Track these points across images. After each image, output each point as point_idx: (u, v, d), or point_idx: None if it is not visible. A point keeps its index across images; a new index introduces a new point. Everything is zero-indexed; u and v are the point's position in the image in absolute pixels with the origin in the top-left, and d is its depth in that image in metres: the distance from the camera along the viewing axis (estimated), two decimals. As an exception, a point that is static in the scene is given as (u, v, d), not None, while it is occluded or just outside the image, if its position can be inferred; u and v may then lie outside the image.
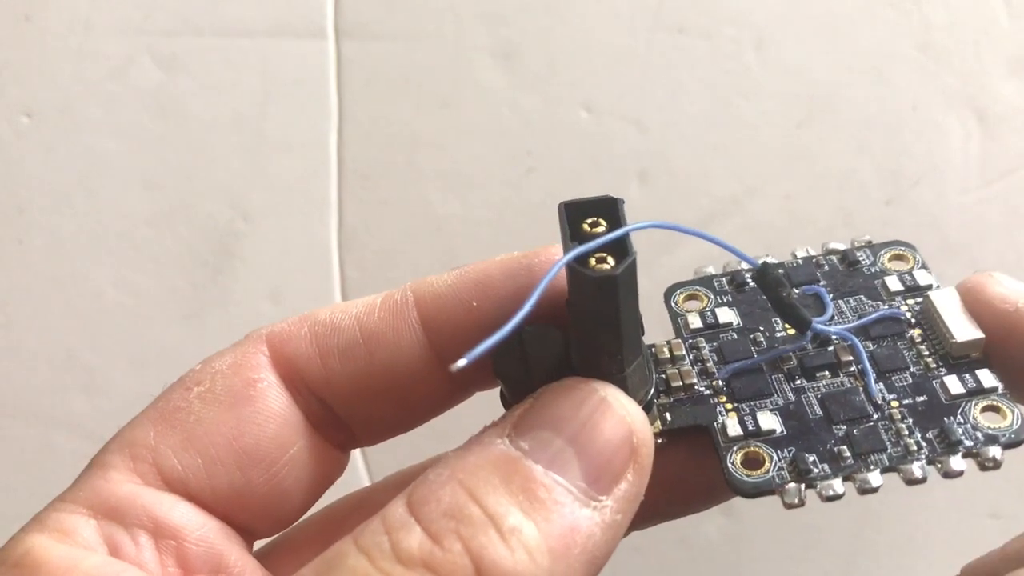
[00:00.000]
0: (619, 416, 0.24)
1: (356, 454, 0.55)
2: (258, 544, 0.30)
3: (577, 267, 0.24)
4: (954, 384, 0.28)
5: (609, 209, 0.25)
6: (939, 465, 0.27)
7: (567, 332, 0.26)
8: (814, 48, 0.55)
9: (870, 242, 0.33)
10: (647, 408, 0.27)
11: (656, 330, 0.32)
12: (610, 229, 0.25)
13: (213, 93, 0.57)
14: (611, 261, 0.25)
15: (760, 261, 0.30)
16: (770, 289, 0.29)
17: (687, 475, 0.29)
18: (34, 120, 0.57)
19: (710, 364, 0.30)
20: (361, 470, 0.55)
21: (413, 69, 0.56)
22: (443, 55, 0.56)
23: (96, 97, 0.57)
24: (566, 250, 0.25)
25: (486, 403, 0.28)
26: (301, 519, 0.30)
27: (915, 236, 0.33)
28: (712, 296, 0.32)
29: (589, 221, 0.25)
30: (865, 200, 0.54)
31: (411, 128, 0.56)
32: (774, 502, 0.27)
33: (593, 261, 0.25)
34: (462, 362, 0.22)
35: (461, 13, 0.56)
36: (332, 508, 0.32)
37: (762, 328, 0.31)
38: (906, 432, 0.27)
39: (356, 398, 0.28)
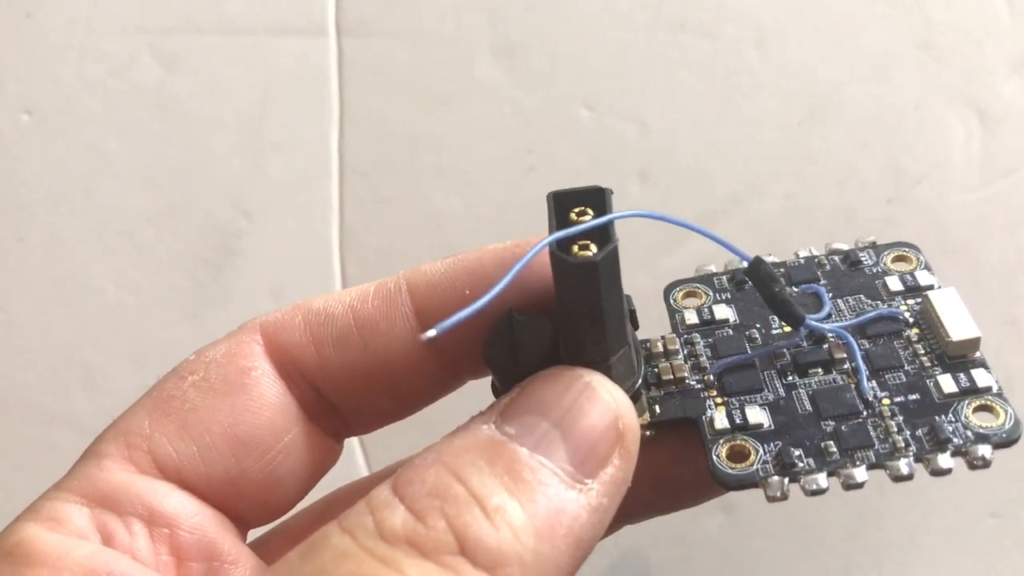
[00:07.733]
0: (605, 401, 0.24)
1: (355, 445, 0.55)
2: (252, 534, 0.30)
3: (559, 253, 0.24)
4: (947, 383, 0.28)
5: (597, 199, 0.25)
6: (927, 462, 0.26)
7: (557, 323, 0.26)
8: (815, 46, 0.55)
9: (874, 243, 0.33)
10: (634, 398, 0.27)
11: (656, 327, 0.32)
12: (597, 219, 0.25)
13: (214, 91, 0.57)
14: (594, 249, 0.25)
15: (753, 256, 0.30)
16: (762, 284, 0.28)
17: (677, 469, 0.29)
18: (35, 118, 0.57)
19: (703, 359, 0.30)
20: (359, 461, 0.55)
21: (414, 67, 0.56)
22: (444, 52, 0.56)
23: (97, 95, 0.57)
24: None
25: (487, 396, 0.28)
26: (296, 510, 0.30)
27: (916, 235, 0.32)
28: (711, 293, 0.32)
29: (576, 211, 0.25)
30: (866, 199, 0.54)
31: (412, 126, 0.56)
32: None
33: (576, 249, 0.25)
34: (431, 332, 0.23)
35: (462, 10, 0.56)
36: (327, 499, 0.32)
37: (758, 325, 0.31)
38: (895, 429, 0.27)
39: (350, 386, 0.28)
